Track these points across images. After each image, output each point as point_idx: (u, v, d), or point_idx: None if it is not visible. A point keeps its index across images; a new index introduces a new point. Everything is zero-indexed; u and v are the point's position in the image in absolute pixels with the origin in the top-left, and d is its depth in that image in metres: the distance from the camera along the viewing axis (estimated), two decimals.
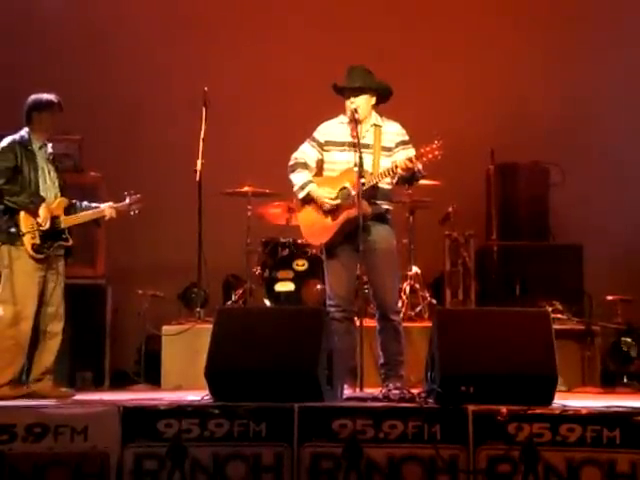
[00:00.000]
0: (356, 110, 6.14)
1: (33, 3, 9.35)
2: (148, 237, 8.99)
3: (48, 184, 6.34)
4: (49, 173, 6.37)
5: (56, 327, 6.28)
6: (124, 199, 6.62)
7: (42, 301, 6.22)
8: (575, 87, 9.25)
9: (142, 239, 8.96)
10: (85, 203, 6.51)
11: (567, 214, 9.02)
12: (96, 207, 6.51)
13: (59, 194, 6.39)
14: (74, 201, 6.46)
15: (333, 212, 6.23)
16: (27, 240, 6.15)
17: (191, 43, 9.27)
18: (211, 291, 8.43)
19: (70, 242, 6.35)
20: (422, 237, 8.32)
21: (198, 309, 7.99)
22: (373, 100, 6.25)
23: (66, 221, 6.32)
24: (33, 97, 6.36)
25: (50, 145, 6.45)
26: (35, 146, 6.32)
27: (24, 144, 6.26)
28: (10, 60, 8.97)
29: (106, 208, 6.52)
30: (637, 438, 4.85)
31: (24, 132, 6.32)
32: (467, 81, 9.25)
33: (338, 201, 6.19)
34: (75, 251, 6.53)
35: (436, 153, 5.96)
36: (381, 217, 6.23)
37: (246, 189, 8.26)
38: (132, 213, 6.67)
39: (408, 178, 6.16)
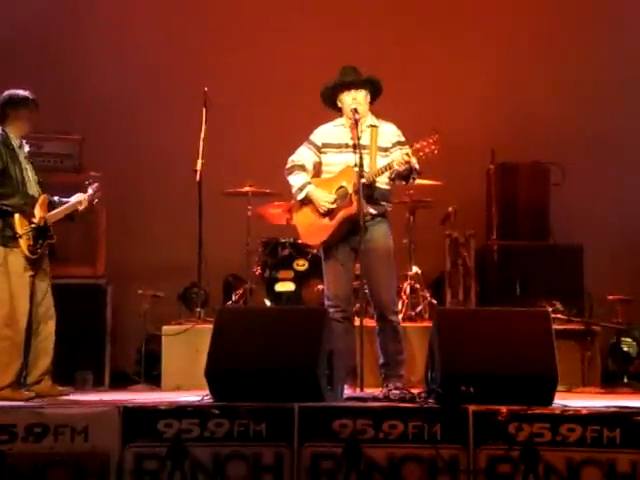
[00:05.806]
0: (356, 110, 6.15)
1: (32, 2, 9.34)
2: (148, 237, 8.99)
3: (32, 182, 6.27)
4: (29, 171, 6.28)
5: (49, 327, 6.24)
6: (86, 190, 6.50)
7: (33, 302, 6.15)
8: (575, 87, 9.24)
9: (142, 239, 8.96)
10: (57, 198, 6.38)
11: (567, 214, 9.00)
12: (67, 201, 6.38)
13: (41, 191, 6.31)
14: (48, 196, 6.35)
15: (330, 212, 6.23)
16: (23, 242, 6.07)
17: (191, 43, 9.27)
18: (211, 291, 8.43)
19: (55, 239, 6.25)
20: (422, 237, 8.31)
21: (198, 309, 7.99)
22: (369, 98, 6.27)
23: (51, 217, 6.23)
24: (7, 93, 6.24)
25: (25, 141, 6.32)
26: (15, 144, 6.22)
27: (6, 144, 6.16)
28: (8, 59, 8.96)
29: (82, 199, 6.40)
30: (637, 438, 4.85)
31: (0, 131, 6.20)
32: (468, 81, 9.24)
33: (334, 206, 6.19)
34: (75, 251, 6.49)
35: (432, 148, 5.95)
36: (379, 217, 6.23)
37: (246, 189, 8.26)
38: (94, 202, 6.55)
39: (404, 175, 6.14)
